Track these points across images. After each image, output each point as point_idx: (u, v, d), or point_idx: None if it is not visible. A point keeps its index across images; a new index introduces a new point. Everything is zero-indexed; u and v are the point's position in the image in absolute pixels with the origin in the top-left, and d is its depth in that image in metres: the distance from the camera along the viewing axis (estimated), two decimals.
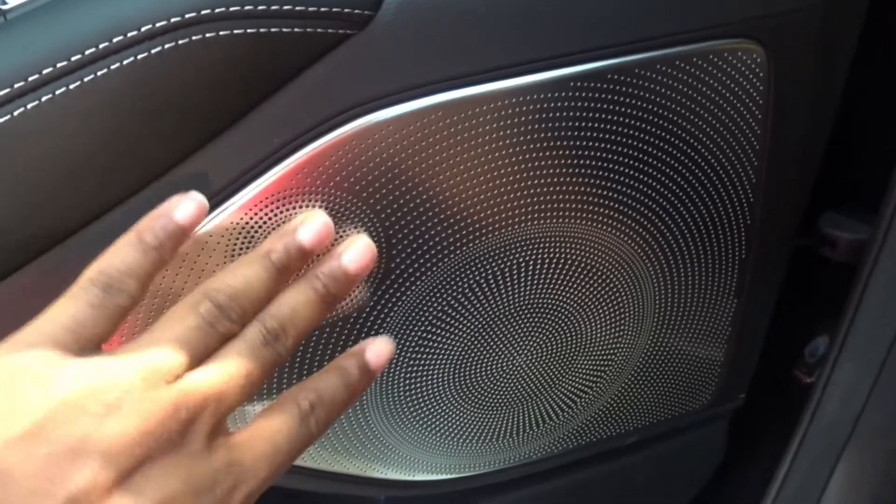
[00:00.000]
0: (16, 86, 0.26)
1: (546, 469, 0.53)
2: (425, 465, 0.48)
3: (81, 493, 0.23)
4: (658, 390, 0.50)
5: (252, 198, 0.31)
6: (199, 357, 0.27)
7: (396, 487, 0.49)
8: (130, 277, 0.27)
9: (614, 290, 0.42)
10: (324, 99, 0.31)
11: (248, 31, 0.28)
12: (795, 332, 0.56)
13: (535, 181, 0.36)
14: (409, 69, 0.31)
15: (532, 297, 0.41)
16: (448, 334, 0.40)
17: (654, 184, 0.38)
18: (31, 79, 0.26)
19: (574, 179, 0.36)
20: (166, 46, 0.27)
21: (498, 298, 0.40)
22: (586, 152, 0.36)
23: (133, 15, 0.27)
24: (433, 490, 0.51)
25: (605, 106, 0.35)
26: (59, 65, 0.26)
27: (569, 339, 0.44)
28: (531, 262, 0.39)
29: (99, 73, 0.27)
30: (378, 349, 0.33)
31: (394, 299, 0.37)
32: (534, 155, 0.35)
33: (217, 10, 0.27)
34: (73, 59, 0.27)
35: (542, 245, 0.38)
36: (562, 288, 0.41)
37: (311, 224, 0.31)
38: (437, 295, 0.38)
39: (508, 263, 0.38)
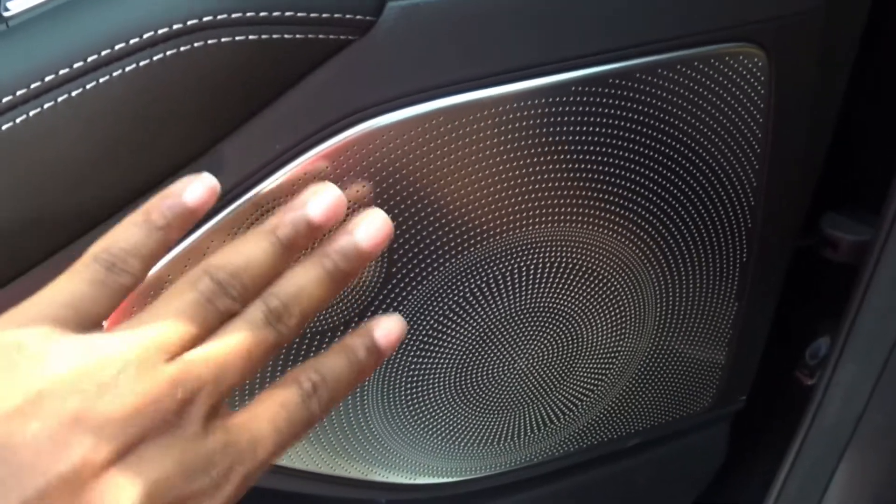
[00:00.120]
0: (18, 93, 0.26)
1: (548, 472, 0.53)
2: (427, 468, 0.48)
3: (74, 469, 0.22)
4: (659, 393, 0.50)
5: (254, 203, 0.31)
6: (198, 334, 0.26)
7: (398, 491, 0.49)
8: (134, 257, 0.26)
9: (616, 293, 0.42)
10: (325, 104, 0.31)
11: (250, 37, 0.28)
12: (797, 334, 0.56)
13: (537, 186, 0.36)
14: (411, 74, 0.31)
15: (534, 301, 0.41)
16: (450, 338, 0.40)
17: (656, 187, 0.38)
18: (33, 86, 0.26)
19: (575, 184, 0.36)
20: (168, 53, 0.27)
21: (500, 302, 0.40)
22: (588, 156, 0.36)
23: (135, 21, 0.27)
24: (435, 493, 0.51)
25: (606, 110, 0.35)
26: (61, 71, 0.26)
27: (570, 342, 0.44)
28: (533, 267, 0.39)
29: (101, 80, 0.27)
30: (388, 328, 0.30)
31: (395, 303, 0.37)
32: (535, 159, 0.35)
33: (219, 17, 0.27)
34: (76, 65, 0.26)
35: (543, 249, 0.38)
36: (563, 292, 0.41)
37: (321, 198, 0.29)
38: (439, 299, 0.38)
39: (510, 267, 0.38)
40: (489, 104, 0.32)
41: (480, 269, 0.38)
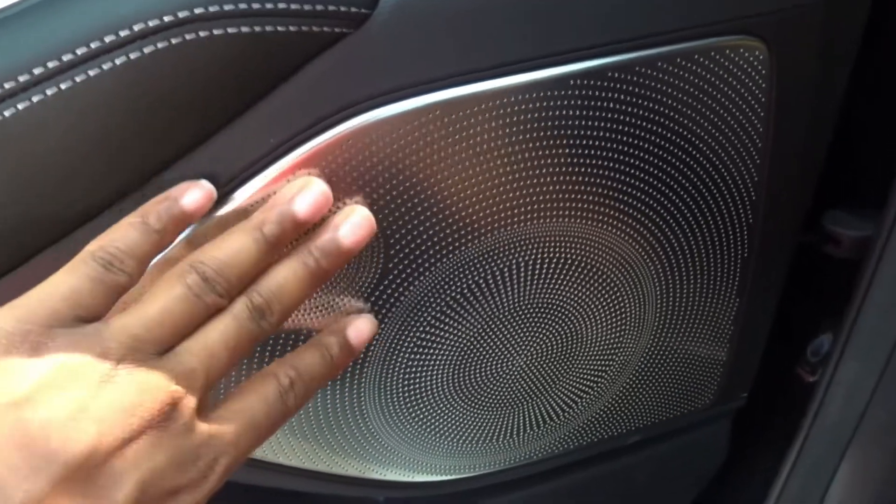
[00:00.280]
0: (7, 86, 0.26)
1: (547, 469, 0.53)
2: (425, 466, 0.48)
3: (78, 459, 0.23)
4: (660, 390, 0.50)
5: (248, 198, 0.31)
6: (186, 327, 0.27)
7: (396, 488, 0.49)
8: (131, 257, 0.27)
9: (615, 289, 0.42)
10: (320, 98, 0.30)
11: (243, 30, 0.28)
12: (799, 331, 0.56)
13: (535, 180, 0.35)
14: (406, 67, 0.31)
15: (532, 297, 0.40)
16: (447, 334, 0.40)
17: (656, 182, 0.38)
18: (22, 79, 0.26)
19: (574, 178, 0.36)
20: (160, 46, 0.27)
21: (497, 298, 0.39)
22: (586, 151, 0.35)
23: (126, 14, 0.26)
24: (433, 491, 0.50)
25: (605, 104, 0.34)
26: (50, 65, 0.26)
27: (569, 339, 0.43)
28: (531, 262, 0.39)
29: (91, 73, 0.26)
30: (359, 327, 0.33)
31: (392, 300, 0.37)
32: (533, 154, 0.35)
33: (211, 9, 0.27)
34: (65, 58, 0.26)
35: (542, 245, 0.38)
36: (562, 288, 0.41)
37: (307, 193, 0.30)
38: (436, 295, 0.38)
39: (508, 263, 0.38)
40: (486, 98, 0.32)
41: (478, 265, 0.37)
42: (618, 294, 0.43)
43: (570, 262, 0.40)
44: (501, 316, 0.40)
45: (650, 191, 0.38)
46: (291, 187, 0.31)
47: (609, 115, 0.35)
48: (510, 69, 0.32)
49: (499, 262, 0.38)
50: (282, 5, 0.28)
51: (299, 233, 0.30)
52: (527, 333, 0.42)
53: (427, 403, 0.43)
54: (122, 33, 0.26)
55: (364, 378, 0.40)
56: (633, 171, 0.37)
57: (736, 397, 0.55)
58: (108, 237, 0.27)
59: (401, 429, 0.44)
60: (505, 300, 0.40)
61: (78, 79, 0.26)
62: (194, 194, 0.29)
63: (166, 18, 0.27)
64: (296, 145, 0.31)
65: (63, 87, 0.26)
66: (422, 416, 0.44)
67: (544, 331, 0.42)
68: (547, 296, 0.41)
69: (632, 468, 0.57)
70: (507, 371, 0.43)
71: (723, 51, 0.35)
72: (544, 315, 0.42)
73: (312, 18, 0.29)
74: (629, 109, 0.35)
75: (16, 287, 0.29)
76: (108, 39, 0.26)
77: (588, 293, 0.42)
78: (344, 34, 0.30)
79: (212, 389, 0.28)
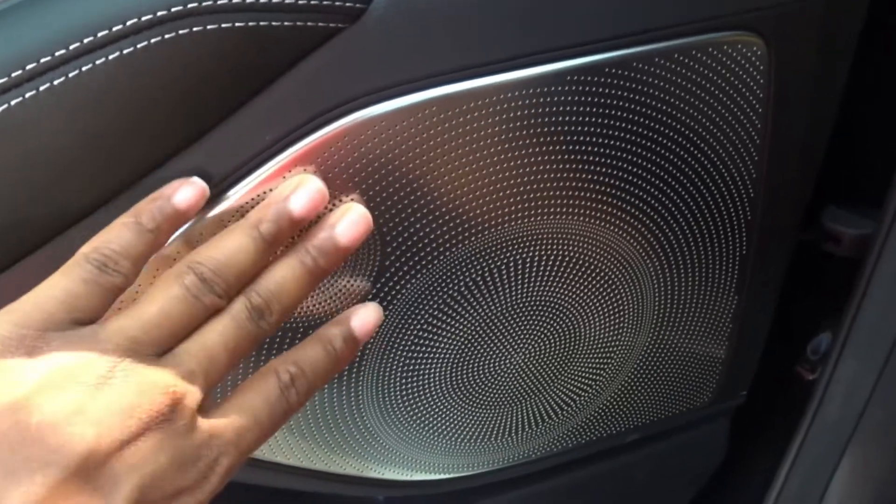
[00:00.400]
0: None
1: (546, 468, 0.52)
2: (423, 464, 0.47)
3: (76, 462, 0.23)
4: (659, 388, 0.50)
5: (243, 195, 0.31)
6: (184, 329, 0.27)
7: (395, 487, 0.49)
8: (125, 258, 0.27)
9: (613, 287, 0.42)
10: (316, 94, 0.30)
11: (237, 24, 0.28)
12: (798, 329, 0.55)
13: (532, 177, 0.35)
14: (403, 63, 0.31)
15: (529, 294, 0.40)
16: (445, 332, 0.40)
17: (653, 179, 0.38)
18: (14, 75, 0.26)
19: (571, 175, 0.36)
20: (152, 41, 0.27)
21: (495, 296, 0.39)
22: (583, 147, 0.35)
23: (118, 9, 0.26)
24: (432, 490, 0.50)
25: (602, 100, 0.34)
26: (42, 60, 0.26)
27: (567, 336, 0.43)
28: (528, 260, 0.38)
29: (84, 69, 0.26)
30: (364, 317, 0.32)
31: (389, 297, 0.37)
32: (530, 150, 0.34)
33: (204, 4, 0.27)
34: (57, 54, 0.26)
35: (539, 242, 0.38)
36: (560, 285, 0.41)
37: (303, 191, 0.30)
38: (433, 293, 0.38)
39: (505, 261, 0.38)
40: (483, 94, 0.32)
41: (475, 263, 0.37)
42: (616, 291, 0.42)
43: (567, 259, 0.39)
44: (499, 314, 0.40)
45: (648, 188, 0.38)
46: (287, 185, 0.30)
47: (606, 112, 0.35)
48: (507, 65, 0.32)
49: (496, 259, 0.38)
50: (276, 0, 0.28)
51: (296, 231, 0.30)
52: (524, 331, 0.42)
53: (425, 402, 0.43)
54: (115, 28, 0.26)
55: (361, 376, 0.40)
56: (630, 167, 0.37)
57: (735, 395, 0.55)
58: (101, 238, 0.27)
59: (399, 427, 0.44)
60: (502, 298, 0.40)
61: (70, 74, 0.26)
62: (187, 192, 0.28)
63: (159, 13, 0.26)
64: (291, 142, 0.31)
65: (55, 83, 0.26)
66: (420, 414, 0.43)
67: (542, 328, 0.42)
68: (544, 293, 0.41)
69: (630, 466, 0.57)
70: (505, 369, 0.43)
71: (721, 47, 0.35)
72: (542, 313, 0.41)
73: (307, 13, 0.29)
74: (627, 106, 0.35)
75: (10, 287, 0.29)
76: (100, 35, 0.26)
77: (586, 290, 0.42)
78: (339, 29, 0.29)
79: (212, 390, 0.27)
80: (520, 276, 0.39)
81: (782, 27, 0.35)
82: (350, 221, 0.31)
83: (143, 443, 0.24)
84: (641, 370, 0.48)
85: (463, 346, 0.41)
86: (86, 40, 0.26)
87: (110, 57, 0.26)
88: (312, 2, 0.28)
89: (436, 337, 0.40)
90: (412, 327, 0.39)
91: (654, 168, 0.37)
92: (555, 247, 0.39)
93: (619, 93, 0.34)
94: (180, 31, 0.27)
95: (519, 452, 0.50)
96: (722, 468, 0.61)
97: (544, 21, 0.32)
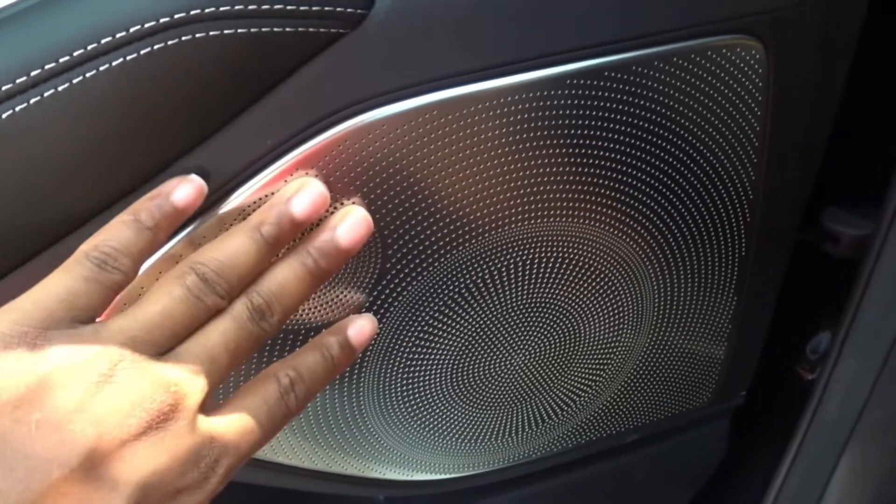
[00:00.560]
0: (3, 88, 0.26)
1: (546, 468, 0.53)
2: (424, 464, 0.48)
3: (76, 461, 0.23)
4: (658, 388, 0.50)
5: (245, 199, 0.31)
6: (186, 329, 0.27)
7: (395, 487, 0.49)
8: (125, 255, 0.27)
9: (613, 288, 0.42)
10: (317, 99, 0.30)
11: (239, 30, 0.28)
12: (798, 329, 0.56)
13: (532, 180, 0.35)
14: (403, 68, 0.31)
15: (530, 296, 0.40)
16: (445, 334, 0.40)
17: (653, 181, 0.38)
18: (18, 81, 0.26)
19: (571, 178, 0.36)
20: (156, 47, 0.27)
21: (495, 298, 0.39)
22: (583, 150, 0.35)
23: (122, 15, 0.26)
24: (432, 490, 0.51)
25: (602, 103, 0.34)
26: (47, 66, 0.26)
27: (567, 338, 0.43)
28: (528, 262, 0.39)
29: (88, 75, 0.26)
30: (359, 326, 0.33)
31: (390, 299, 0.37)
32: (530, 154, 0.35)
33: (207, 10, 0.27)
34: (62, 60, 0.26)
35: (539, 244, 0.38)
36: (560, 287, 0.41)
37: (304, 194, 0.30)
38: (434, 295, 0.38)
39: (505, 263, 0.38)
40: (483, 98, 0.32)
41: (476, 265, 0.38)
42: (616, 293, 0.43)
43: (567, 261, 0.40)
44: (499, 315, 0.40)
45: (647, 190, 0.38)
46: (289, 188, 0.31)
47: (606, 115, 0.35)
48: (507, 69, 0.32)
49: (496, 261, 0.38)
50: (278, 6, 0.28)
51: (297, 233, 0.30)
52: (525, 332, 0.42)
53: (426, 402, 0.43)
54: (119, 35, 0.26)
55: (363, 377, 0.40)
56: (630, 170, 0.37)
57: (734, 396, 0.55)
58: (101, 236, 0.27)
59: (400, 428, 0.44)
60: (503, 299, 0.40)
61: (74, 81, 0.26)
62: (185, 190, 0.28)
63: (162, 20, 0.27)
64: (293, 146, 0.31)
65: (60, 88, 0.26)
66: (421, 415, 0.44)
67: (542, 330, 0.42)
68: (545, 295, 0.41)
69: (631, 467, 0.57)
70: (506, 370, 0.43)
71: (720, 50, 0.35)
72: (542, 314, 0.42)
73: (309, 19, 0.29)
74: (626, 109, 0.35)
75: (12, 291, 0.29)
76: (104, 41, 0.26)
77: (586, 292, 0.42)
78: (341, 35, 0.30)
79: (213, 391, 0.27)
80: (520, 279, 0.39)
81: (781, 31, 0.36)
82: (351, 224, 0.31)
83: (144, 442, 0.25)
84: (641, 371, 0.48)
85: (463, 348, 0.41)
86: (90, 47, 0.26)
87: (114, 63, 0.27)
88: (314, 8, 0.28)
89: (436, 338, 0.40)
90: (413, 329, 0.39)
91: (653, 171, 0.38)
92: (555, 249, 0.39)
93: (619, 96, 0.34)
94: (183, 38, 0.27)
95: (519, 452, 0.50)
96: (722, 468, 0.61)
97: (544, 25, 0.32)
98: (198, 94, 0.28)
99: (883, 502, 0.53)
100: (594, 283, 0.41)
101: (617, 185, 0.37)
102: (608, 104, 0.34)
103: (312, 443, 0.42)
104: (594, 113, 0.34)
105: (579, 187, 0.37)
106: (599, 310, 0.43)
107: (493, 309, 0.40)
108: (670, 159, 0.37)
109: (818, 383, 0.50)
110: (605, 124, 0.35)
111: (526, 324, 0.41)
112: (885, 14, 0.41)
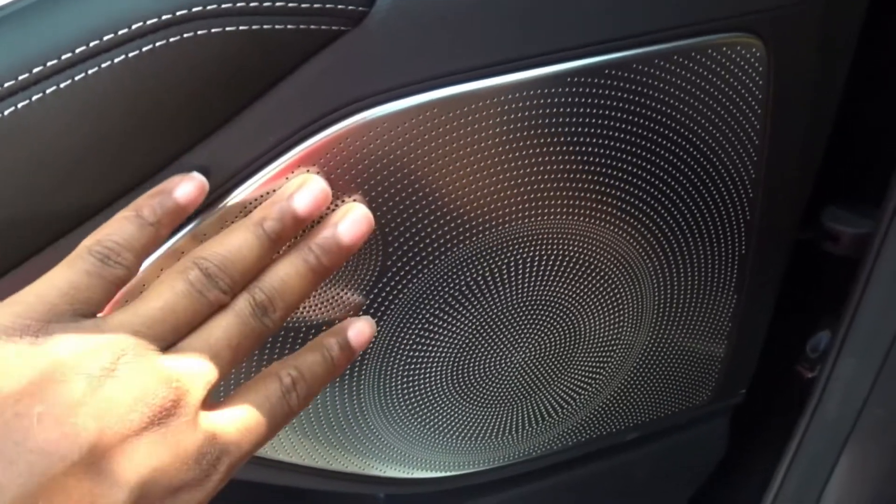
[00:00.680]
0: (6, 85, 0.26)
1: (546, 466, 0.53)
2: (424, 462, 0.48)
3: (77, 455, 0.23)
4: (658, 386, 0.50)
5: (247, 196, 0.31)
6: (189, 324, 0.27)
7: (396, 485, 0.49)
8: (128, 250, 0.27)
9: (613, 286, 0.42)
10: (318, 96, 0.30)
11: (241, 28, 0.28)
12: (798, 327, 0.56)
13: (532, 178, 0.35)
14: (405, 65, 0.31)
15: (530, 294, 0.40)
16: (446, 331, 0.40)
17: (653, 179, 0.38)
18: (21, 78, 0.26)
19: (572, 176, 0.36)
20: (158, 44, 0.27)
21: (495, 295, 0.39)
22: (584, 148, 0.35)
23: (124, 13, 0.27)
24: (433, 487, 0.51)
25: (602, 101, 0.34)
26: (49, 63, 0.26)
27: (567, 335, 0.44)
28: (529, 259, 0.39)
29: (90, 72, 0.27)
30: (359, 328, 0.33)
31: (391, 297, 0.37)
32: (531, 151, 0.35)
33: (209, 7, 0.27)
34: (64, 57, 0.26)
35: (539, 242, 0.38)
36: (560, 285, 0.41)
37: (306, 190, 0.30)
38: (434, 292, 0.38)
39: (506, 260, 0.38)
40: (484, 95, 0.32)
41: (476, 262, 0.38)
42: (616, 291, 0.43)
43: (567, 259, 0.40)
44: (499, 313, 0.40)
45: (648, 188, 0.38)
46: (291, 185, 0.31)
47: (607, 113, 0.35)
48: (508, 67, 0.32)
49: (497, 258, 0.38)
50: (280, 3, 0.28)
51: (299, 229, 0.31)
52: (525, 330, 0.42)
53: (426, 400, 0.43)
54: (121, 32, 0.26)
55: (363, 375, 0.40)
56: (630, 168, 0.37)
57: (734, 394, 0.55)
58: (104, 231, 0.27)
59: (400, 425, 0.44)
60: (503, 297, 0.40)
61: (77, 77, 0.26)
62: (187, 187, 0.29)
63: (164, 17, 0.27)
64: (294, 143, 0.31)
65: (62, 85, 0.26)
66: (421, 412, 0.44)
67: (542, 327, 0.42)
68: (545, 293, 0.41)
69: (630, 465, 0.57)
70: (506, 368, 0.43)
71: (720, 48, 0.35)
72: (542, 312, 0.42)
73: (310, 16, 0.29)
74: (627, 107, 0.35)
75: (14, 287, 0.29)
76: (106, 38, 0.26)
77: (586, 290, 0.42)
78: (342, 32, 0.30)
79: (215, 388, 0.27)
80: (520, 276, 0.39)
81: (781, 29, 0.36)
82: (352, 220, 0.31)
83: (145, 437, 0.24)
84: (641, 369, 0.48)
85: (464, 345, 0.41)
86: (91, 44, 0.26)
87: (116, 60, 0.27)
88: (315, 5, 0.29)
89: (437, 336, 0.40)
90: (414, 326, 0.39)
91: (653, 169, 0.38)
92: (555, 247, 0.39)
93: (620, 94, 0.35)
94: (185, 35, 0.27)
95: (519, 450, 0.50)
96: (721, 466, 0.61)
97: (545, 23, 0.32)
98: (200, 91, 0.28)
99: (882, 500, 0.53)
100: (594, 281, 0.42)
101: (617, 183, 0.37)
102: (609, 102, 0.34)
103: (313, 440, 0.43)
104: (595, 111, 0.35)
105: (580, 185, 0.37)
106: (599, 307, 0.43)
107: (493, 306, 0.40)
108: (670, 157, 0.38)
109: (818, 382, 0.50)
110: (606, 122, 0.35)
111: (526, 321, 0.42)
112: (885, 13, 0.41)
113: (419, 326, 0.39)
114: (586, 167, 0.36)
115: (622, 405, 0.50)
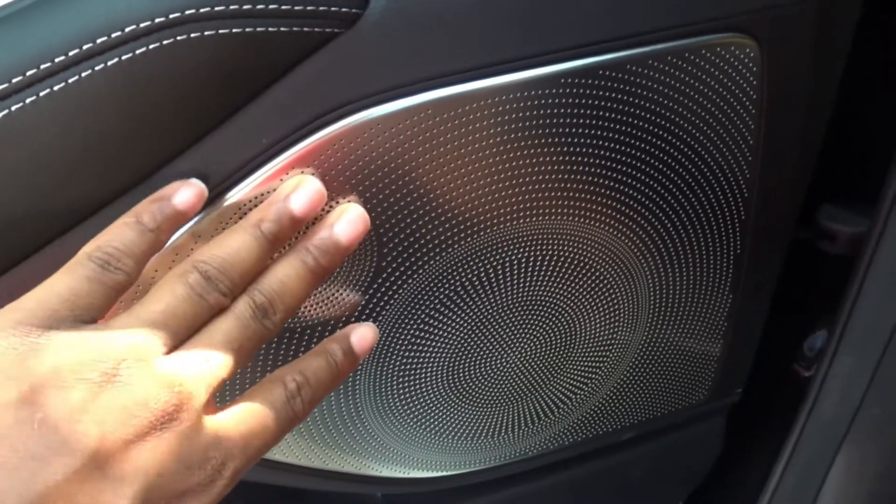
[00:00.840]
0: None
1: (543, 465, 0.53)
2: (421, 462, 0.48)
3: (79, 462, 0.23)
4: (654, 386, 0.50)
5: (241, 198, 0.31)
6: (190, 328, 0.27)
7: (393, 485, 0.49)
8: (128, 256, 0.27)
9: (608, 286, 0.42)
10: (312, 98, 0.31)
11: (234, 30, 0.28)
12: (794, 326, 0.56)
13: (527, 178, 0.36)
14: (398, 67, 0.31)
15: (525, 294, 0.40)
16: (441, 332, 0.40)
17: (648, 179, 0.38)
18: (14, 81, 0.26)
19: (566, 176, 0.36)
20: (151, 47, 0.27)
21: (490, 296, 0.40)
22: (578, 149, 0.36)
23: (117, 16, 0.27)
24: (430, 487, 0.51)
25: (596, 102, 0.34)
26: (43, 66, 0.26)
27: (563, 335, 0.44)
28: (524, 260, 0.39)
29: (83, 75, 0.27)
30: (362, 333, 0.33)
31: (386, 297, 0.37)
32: (525, 152, 0.35)
33: (202, 10, 0.27)
34: (58, 60, 0.26)
35: (534, 242, 0.38)
36: (555, 285, 0.41)
37: (302, 191, 0.30)
38: (430, 293, 0.38)
39: (501, 261, 0.38)
40: (478, 97, 0.32)
41: (471, 263, 0.38)
42: (611, 291, 0.43)
43: (563, 259, 0.40)
44: (495, 313, 0.40)
45: (643, 188, 0.38)
46: (286, 186, 0.31)
47: (601, 114, 0.35)
48: (501, 68, 0.32)
49: (492, 259, 0.38)
50: (273, 6, 0.28)
51: (296, 230, 0.31)
52: (521, 330, 0.42)
53: (422, 400, 0.43)
54: (114, 35, 0.26)
55: (359, 375, 0.40)
56: (625, 168, 0.37)
57: (731, 393, 0.55)
58: (104, 237, 0.27)
59: (396, 425, 0.44)
60: (498, 297, 0.40)
61: (70, 80, 0.27)
62: (186, 193, 0.29)
63: (157, 20, 0.27)
64: (288, 145, 0.31)
65: (55, 88, 0.26)
66: (417, 412, 0.44)
67: (538, 328, 0.42)
68: (540, 293, 0.41)
69: (627, 464, 0.57)
70: (502, 368, 0.43)
71: (714, 49, 0.35)
72: (538, 312, 0.42)
73: (304, 19, 0.29)
74: (621, 108, 0.35)
75: (8, 290, 0.29)
76: (99, 41, 0.26)
77: (581, 290, 0.42)
78: (335, 34, 0.30)
79: (218, 391, 0.27)
80: (515, 276, 0.39)
81: (775, 29, 0.36)
82: (348, 220, 0.31)
83: (148, 443, 0.24)
84: (637, 368, 0.48)
85: (459, 345, 0.41)
86: (85, 46, 0.26)
87: (109, 63, 0.27)
88: (309, 8, 0.29)
89: (432, 336, 0.40)
90: (409, 327, 0.39)
91: (648, 169, 0.38)
92: (550, 247, 0.39)
93: (614, 95, 0.35)
94: (178, 38, 0.27)
95: (516, 450, 0.50)
96: (718, 465, 0.62)
97: (539, 24, 0.32)
98: (193, 93, 0.28)
99: (879, 499, 0.53)
100: (590, 281, 0.42)
101: (612, 184, 0.37)
102: (603, 103, 0.35)
103: (309, 440, 0.43)
104: (589, 112, 0.35)
105: (574, 185, 0.37)
106: (595, 307, 0.43)
107: (488, 307, 0.40)
108: (665, 157, 0.38)
109: (814, 380, 0.50)
110: (601, 123, 0.35)
111: (522, 321, 0.42)
112: (880, 13, 0.41)
113: (415, 327, 0.39)
114: (581, 168, 0.36)
115: (618, 404, 0.50)
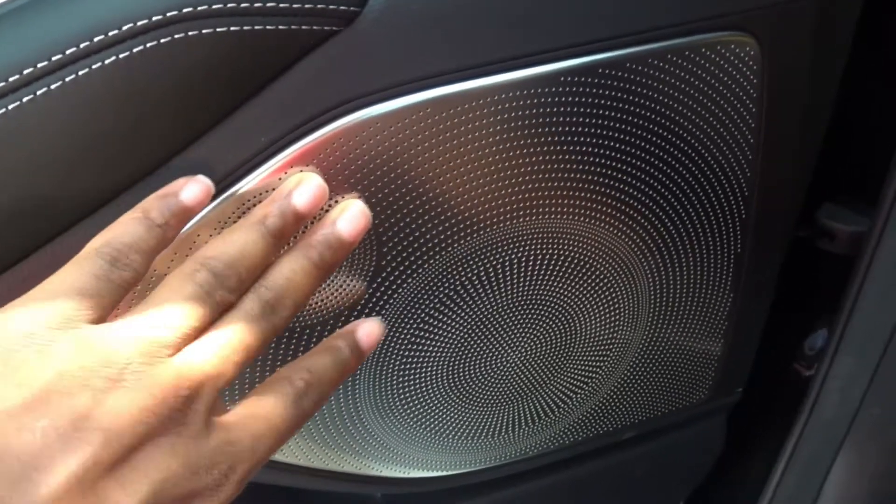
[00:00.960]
0: None
1: (543, 465, 0.53)
2: (421, 461, 0.48)
3: (85, 469, 0.22)
4: (655, 385, 0.50)
5: (239, 196, 0.31)
6: (197, 327, 0.26)
7: (393, 484, 0.49)
8: (136, 252, 0.26)
9: (608, 285, 0.42)
10: (311, 96, 0.30)
11: (232, 28, 0.28)
12: (795, 326, 0.56)
13: (527, 177, 0.35)
14: (397, 65, 0.31)
15: (525, 293, 0.40)
16: (441, 331, 0.40)
17: (648, 178, 0.38)
18: (11, 79, 0.26)
19: (566, 175, 0.36)
20: (148, 45, 0.27)
21: (490, 295, 0.39)
22: (578, 147, 0.35)
23: (114, 13, 0.26)
24: (430, 487, 0.51)
25: (596, 101, 0.34)
26: (40, 64, 0.26)
27: (563, 335, 0.44)
28: (524, 259, 0.39)
29: (80, 73, 0.26)
30: (368, 329, 0.33)
31: (386, 296, 0.37)
32: (525, 151, 0.35)
33: (200, 8, 0.27)
34: (55, 59, 0.26)
35: (535, 241, 0.38)
36: (555, 284, 0.41)
37: (305, 187, 0.30)
38: (429, 292, 0.38)
39: (501, 260, 0.38)
40: (477, 95, 0.32)
41: (471, 262, 0.38)
42: (611, 290, 0.43)
43: (563, 258, 0.40)
44: (495, 312, 0.40)
45: (642, 187, 0.38)
46: (288, 182, 0.31)
47: (600, 112, 0.35)
48: (501, 66, 0.32)
49: (491, 258, 0.38)
50: (270, 4, 0.28)
51: (300, 226, 0.30)
52: (521, 330, 0.42)
53: (422, 399, 0.43)
54: (111, 33, 0.26)
55: (359, 375, 0.40)
56: (625, 167, 0.37)
57: (731, 392, 0.55)
58: (112, 233, 0.27)
59: (396, 425, 0.44)
60: (498, 296, 0.40)
61: (68, 79, 0.26)
62: (193, 189, 0.29)
63: (154, 18, 0.27)
64: (287, 144, 0.31)
65: (53, 87, 0.26)
66: (417, 412, 0.44)
67: (538, 327, 0.42)
68: (540, 292, 0.41)
69: (627, 463, 0.57)
70: (502, 367, 0.43)
71: (714, 47, 0.35)
72: (538, 311, 0.42)
73: (302, 17, 0.29)
74: (620, 106, 0.35)
75: (8, 289, 0.29)
76: (96, 39, 0.26)
77: (582, 289, 0.42)
78: (334, 32, 0.30)
79: (225, 390, 0.27)
80: (515, 275, 0.39)
81: (775, 27, 0.36)
82: (351, 216, 0.31)
83: (154, 447, 0.24)
84: (637, 367, 0.48)
85: (459, 345, 0.41)
86: (82, 45, 0.26)
87: (107, 61, 0.27)
88: (307, 6, 0.28)
89: (432, 335, 0.40)
90: (409, 326, 0.39)
91: (648, 167, 0.38)
92: (550, 246, 0.39)
93: (613, 93, 0.34)
94: (176, 36, 0.27)
95: (516, 449, 0.50)
96: (719, 464, 0.61)
97: (538, 22, 0.32)
98: (191, 91, 0.28)
99: (879, 498, 0.53)
100: (590, 280, 0.41)
101: (612, 182, 0.37)
102: (602, 101, 0.34)
103: (309, 440, 0.43)
104: (588, 110, 0.35)
105: (574, 184, 0.37)
106: (595, 306, 0.43)
107: (488, 306, 0.40)
108: (665, 156, 0.37)
109: (815, 380, 0.50)
110: (600, 122, 0.35)
111: (522, 321, 0.42)
112: (880, 12, 0.41)
113: (414, 326, 0.39)
114: (580, 166, 0.36)
115: (619, 404, 0.50)
